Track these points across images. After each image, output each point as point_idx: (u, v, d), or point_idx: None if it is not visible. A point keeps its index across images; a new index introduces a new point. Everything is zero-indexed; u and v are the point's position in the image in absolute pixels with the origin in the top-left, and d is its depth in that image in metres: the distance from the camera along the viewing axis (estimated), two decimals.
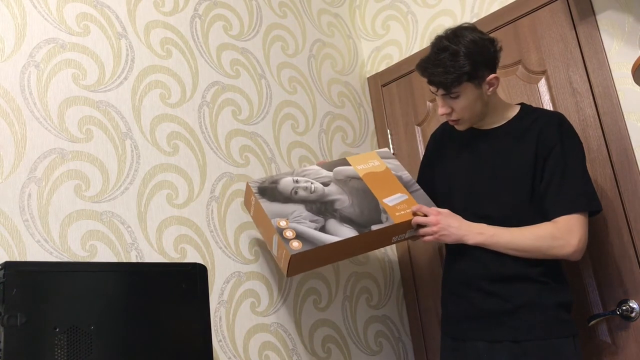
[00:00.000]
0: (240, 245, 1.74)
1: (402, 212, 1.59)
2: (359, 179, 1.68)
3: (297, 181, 1.65)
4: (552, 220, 1.47)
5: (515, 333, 1.46)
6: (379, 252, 2.18)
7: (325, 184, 1.65)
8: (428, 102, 2.25)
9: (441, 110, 1.57)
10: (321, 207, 1.59)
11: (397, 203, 1.62)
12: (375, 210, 1.60)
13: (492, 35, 1.80)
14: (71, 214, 1.42)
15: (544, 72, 1.93)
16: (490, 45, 1.54)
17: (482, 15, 2.12)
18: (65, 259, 1.37)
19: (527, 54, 1.97)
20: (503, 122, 1.62)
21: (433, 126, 2.13)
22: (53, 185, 1.41)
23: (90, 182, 1.47)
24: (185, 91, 1.77)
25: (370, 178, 1.69)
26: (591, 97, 1.80)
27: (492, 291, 1.51)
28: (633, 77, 1.48)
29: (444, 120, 1.74)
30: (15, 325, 1.10)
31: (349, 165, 1.73)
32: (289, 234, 1.49)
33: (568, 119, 1.61)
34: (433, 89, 1.55)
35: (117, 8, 1.68)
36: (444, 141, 1.77)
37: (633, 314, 1.63)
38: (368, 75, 2.48)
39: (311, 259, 1.52)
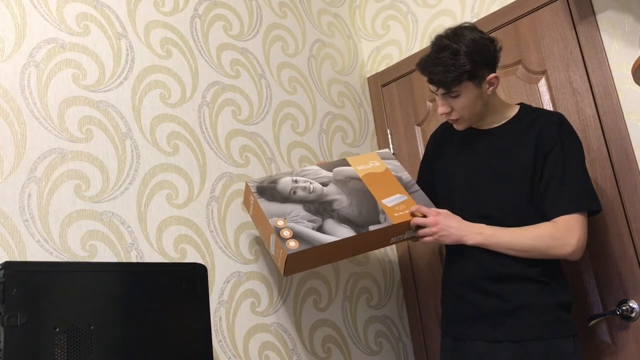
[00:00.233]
0: (240, 245, 1.74)
1: (401, 213, 1.59)
2: (358, 179, 1.68)
3: (296, 181, 1.65)
4: (552, 220, 1.47)
5: (515, 333, 1.46)
6: (379, 252, 2.18)
7: (325, 184, 1.66)
8: (428, 102, 2.25)
9: (441, 109, 1.57)
10: (319, 207, 1.59)
11: (396, 204, 1.62)
12: (373, 210, 1.60)
13: (492, 35, 1.80)
14: (71, 214, 1.42)
15: (544, 72, 1.93)
16: (491, 44, 1.54)
17: (482, 15, 2.12)
18: (65, 259, 1.37)
19: (527, 54, 1.97)
20: (502, 122, 1.62)
21: (433, 126, 2.13)
22: (53, 185, 1.41)
23: (90, 182, 1.47)
24: (185, 91, 1.77)
25: (369, 179, 1.69)
26: (591, 97, 1.81)
27: (492, 291, 1.51)
28: (633, 77, 1.48)
29: (444, 119, 1.75)
30: (15, 325, 1.10)
31: (349, 165, 1.73)
32: (286, 233, 1.49)
33: (568, 119, 1.61)
34: (433, 88, 1.55)
35: (117, 8, 1.68)
36: (444, 141, 1.77)
37: (633, 314, 1.63)
38: (368, 75, 2.48)
39: (308, 258, 1.52)
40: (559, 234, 1.45)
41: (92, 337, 1.19)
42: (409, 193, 1.66)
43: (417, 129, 2.27)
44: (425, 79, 1.57)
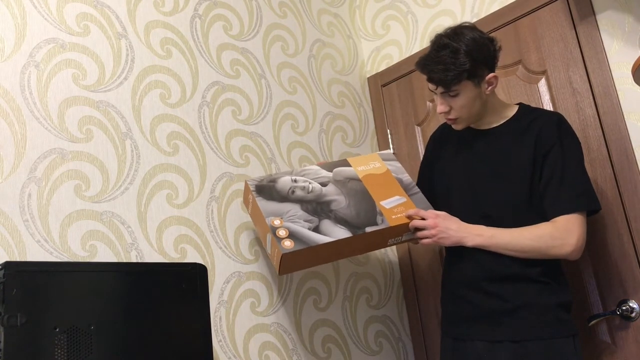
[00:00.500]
0: (240, 245, 1.74)
1: (399, 215, 1.59)
2: (358, 180, 1.68)
3: (295, 180, 1.65)
4: (551, 220, 1.47)
5: (515, 333, 1.46)
6: (379, 253, 2.18)
7: (324, 184, 1.66)
8: (428, 102, 2.25)
9: (440, 108, 1.57)
10: (317, 207, 1.59)
11: (394, 206, 1.61)
12: (371, 212, 1.59)
13: (492, 35, 1.80)
14: (71, 214, 1.42)
15: (544, 72, 1.93)
16: (490, 44, 1.54)
17: (482, 15, 2.12)
18: (65, 259, 1.37)
19: (527, 54, 1.97)
20: (501, 122, 1.62)
21: (433, 126, 2.13)
22: (53, 185, 1.41)
23: (90, 182, 1.47)
24: (185, 91, 1.77)
25: (369, 180, 1.69)
26: (591, 97, 1.80)
27: (492, 291, 1.51)
28: (633, 77, 1.48)
29: (443, 119, 1.75)
30: (15, 325, 1.10)
31: (349, 166, 1.73)
32: (281, 232, 1.50)
33: (568, 119, 1.61)
34: (432, 86, 1.55)
35: (117, 8, 1.68)
36: (443, 142, 1.77)
37: (633, 314, 1.63)
38: (368, 75, 2.48)
39: (303, 258, 1.52)
40: (559, 234, 1.45)
41: (92, 337, 1.19)
42: (409, 195, 1.65)
43: (417, 129, 2.27)
44: (425, 78, 1.57)
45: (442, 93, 1.54)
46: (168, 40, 1.78)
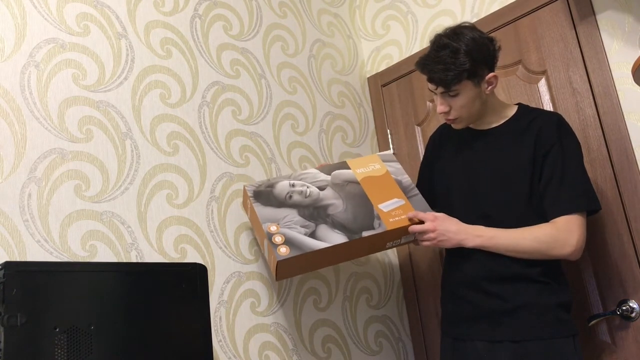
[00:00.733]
0: (240, 245, 1.74)
1: (397, 219, 1.58)
2: (356, 183, 1.67)
3: (293, 185, 1.64)
4: (551, 221, 1.47)
5: (515, 333, 1.46)
6: (379, 253, 2.17)
7: (322, 188, 1.65)
8: (428, 102, 2.25)
9: (439, 108, 1.57)
10: (314, 212, 1.58)
11: (392, 209, 1.60)
12: (368, 215, 1.58)
13: (492, 35, 1.80)
14: (71, 214, 1.42)
15: (544, 72, 1.93)
16: (490, 44, 1.54)
17: (482, 15, 2.12)
18: (65, 259, 1.37)
19: (527, 54, 1.97)
20: (501, 122, 1.62)
21: (433, 126, 2.13)
22: (53, 185, 1.41)
23: (90, 182, 1.47)
24: (185, 91, 1.77)
25: (368, 182, 1.68)
26: (591, 97, 1.81)
27: (492, 291, 1.51)
28: (633, 77, 1.48)
29: (443, 119, 1.75)
30: (15, 325, 1.10)
31: (349, 168, 1.72)
32: (277, 239, 1.50)
33: (568, 119, 1.61)
34: (432, 86, 1.55)
35: (117, 8, 1.68)
36: (443, 142, 1.78)
37: (633, 314, 1.63)
38: (368, 75, 2.48)
39: (300, 264, 1.52)
40: (559, 235, 1.45)
41: (92, 337, 1.19)
42: (408, 197, 1.64)
43: (417, 129, 2.27)
44: (425, 79, 1.57)
45: (442, 93, 1.54)
46: (168, 40, 1.78)
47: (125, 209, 1.52)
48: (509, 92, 2.00)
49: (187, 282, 1.39)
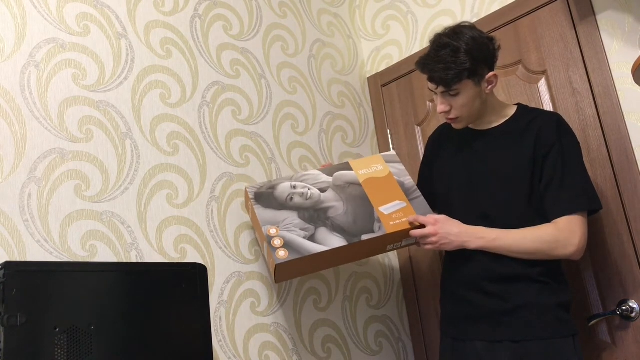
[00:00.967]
0: (240, 245, 1.74)
1: (397, 222, 1.56)
2: (358, 185, 1.66)
3: (294, 187, 1.64)
4: (553, 222, 1.47)
5: (515, 333, 1.46)
6: None
7: (323, 190, 1.64)
8: (428, 102, 2.25)
9: (440, 107, 1.57)
10: (314, 215, 1.58)
11: (393, 211, 1.58)
12: (369, 218, 1.57)
13: (492, 35, 1.80)
14: (71, 214, 1.42)
15: (544, 72, 1.93)
16: (490, 43, 1.54)
17: (482, 15, 2.12)
18: (65, 259, 1.37)
19: (527, 54, 1.97)
20: (501, 122, 1.62)
21: (433, 126, 2.13)
22: (53, 185, 1.41)
23: (90, 182, 1.47)
24: (185, 91, 1.77)
25: (370, 184, 1.66)
26: (591, 97, 1.81)
27: (492, 291, 1.51)
28: (633, 77, 1.48)
29: (443, 118, 1.75)
30: (15, 325, 1.10)
31: (351, 169, 1.71)
32: (276, 242, 1.50)
33: (568, 119, 1.61)
34: (432, 86, 1.55)
35: (117, 8, 1.68)
36: (442, 142, 1.77)
37: (633, 314, 1.63)
38: (368, 75, 2.48)
39: (298, 267, 1.52)
40: (561, 235, 1.45)
41: (92, 337, 1.19)
42: (410, 199, 1.62)
43: (417, 129, 2.27)
44: (425, 78, 1.57)
45: (442, 92, 1.54)
46: (168, 40, 1.78)
47: (125, 209, 1.52)
48: (509, 92, 2.00)
49: (187, 282, 1.39)
